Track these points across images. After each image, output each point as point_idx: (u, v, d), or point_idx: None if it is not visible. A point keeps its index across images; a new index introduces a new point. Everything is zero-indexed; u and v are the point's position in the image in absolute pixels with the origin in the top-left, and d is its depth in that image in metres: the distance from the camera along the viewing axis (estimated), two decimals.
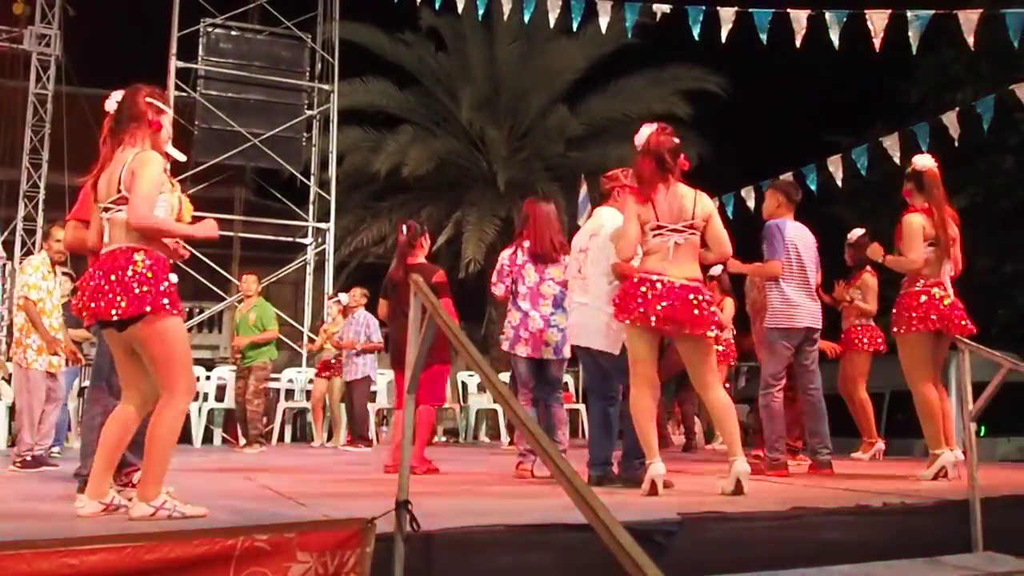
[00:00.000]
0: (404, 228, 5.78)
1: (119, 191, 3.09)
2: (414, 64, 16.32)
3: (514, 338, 5.24)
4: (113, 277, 3.01)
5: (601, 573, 2.33)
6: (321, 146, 14.28)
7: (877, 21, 5.78)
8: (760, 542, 3.07)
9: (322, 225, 13.66)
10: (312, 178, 14.15)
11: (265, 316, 8.43)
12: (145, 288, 2.99)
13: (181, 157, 3.62)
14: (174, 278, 3.19)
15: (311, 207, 14.07)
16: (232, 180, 15.98)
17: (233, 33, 13.64)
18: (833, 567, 2.94)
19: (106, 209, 3.16)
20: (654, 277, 3.86)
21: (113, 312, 2.98)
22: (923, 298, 4.62)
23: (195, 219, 3.78)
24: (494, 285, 5.41)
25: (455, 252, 15.35)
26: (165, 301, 3.02)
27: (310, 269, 14.03)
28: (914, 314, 4.62)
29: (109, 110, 3.28)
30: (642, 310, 3.81)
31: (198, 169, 12.84)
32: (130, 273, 3.01)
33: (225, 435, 10.46)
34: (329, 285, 13.26)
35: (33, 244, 12.94)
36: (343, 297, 9.86)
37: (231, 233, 15.62)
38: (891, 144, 7.28)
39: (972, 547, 3.29)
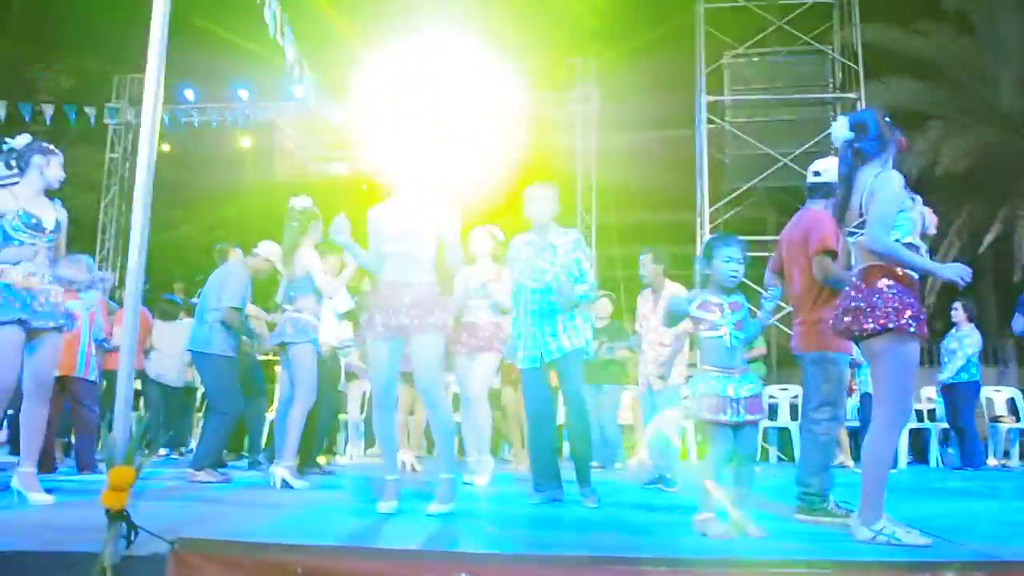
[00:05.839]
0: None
1: (860, 214, 3.14)
2: (933, 55, 15.18)
3: None
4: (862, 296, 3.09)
5: None
6: None
7: None
8: None
9: None
10: None
11: None
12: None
13: None
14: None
15: None
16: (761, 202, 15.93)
17: (755, 60, 13.90)
18: None
19: (850, 233, 3.24)
20: None
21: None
22: None
23: None
24: None
25: (1006, 252, 13.87)
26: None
27: None
28: None
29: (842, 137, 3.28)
30: None
31: (734, 196, 13.22)
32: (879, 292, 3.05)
33: None
34: None
35: None
36: None
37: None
38: None
39: None
